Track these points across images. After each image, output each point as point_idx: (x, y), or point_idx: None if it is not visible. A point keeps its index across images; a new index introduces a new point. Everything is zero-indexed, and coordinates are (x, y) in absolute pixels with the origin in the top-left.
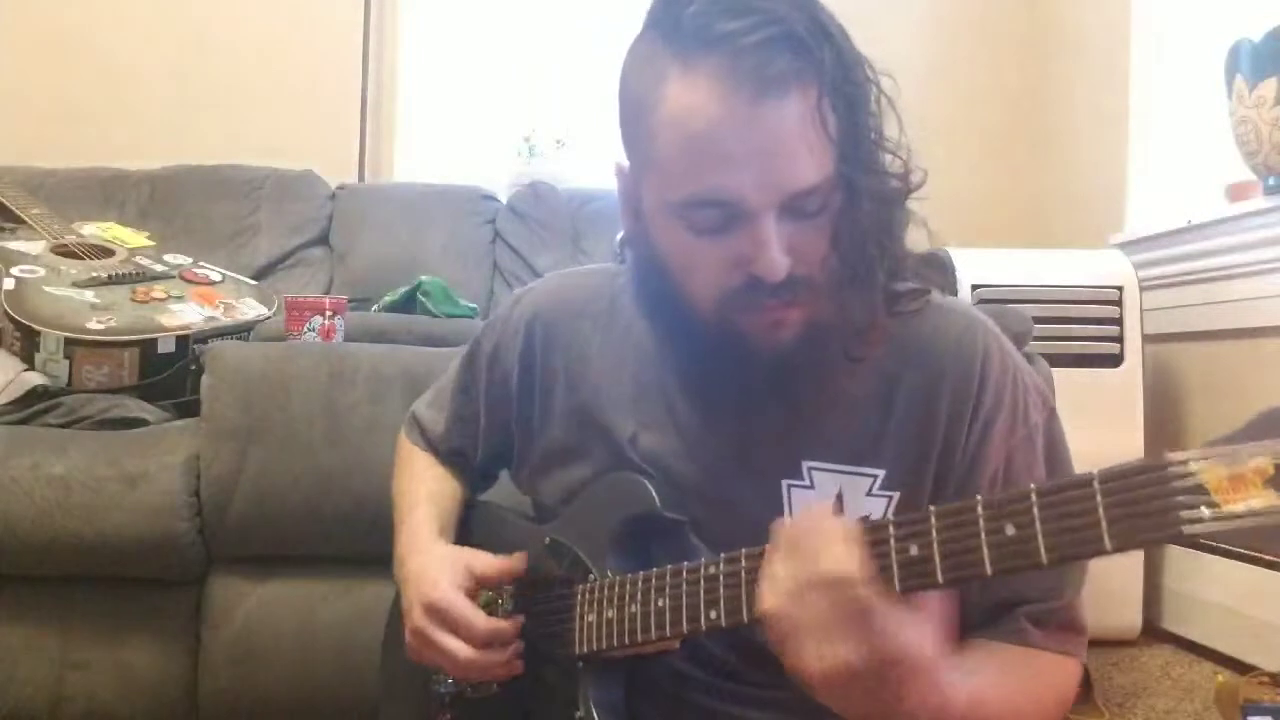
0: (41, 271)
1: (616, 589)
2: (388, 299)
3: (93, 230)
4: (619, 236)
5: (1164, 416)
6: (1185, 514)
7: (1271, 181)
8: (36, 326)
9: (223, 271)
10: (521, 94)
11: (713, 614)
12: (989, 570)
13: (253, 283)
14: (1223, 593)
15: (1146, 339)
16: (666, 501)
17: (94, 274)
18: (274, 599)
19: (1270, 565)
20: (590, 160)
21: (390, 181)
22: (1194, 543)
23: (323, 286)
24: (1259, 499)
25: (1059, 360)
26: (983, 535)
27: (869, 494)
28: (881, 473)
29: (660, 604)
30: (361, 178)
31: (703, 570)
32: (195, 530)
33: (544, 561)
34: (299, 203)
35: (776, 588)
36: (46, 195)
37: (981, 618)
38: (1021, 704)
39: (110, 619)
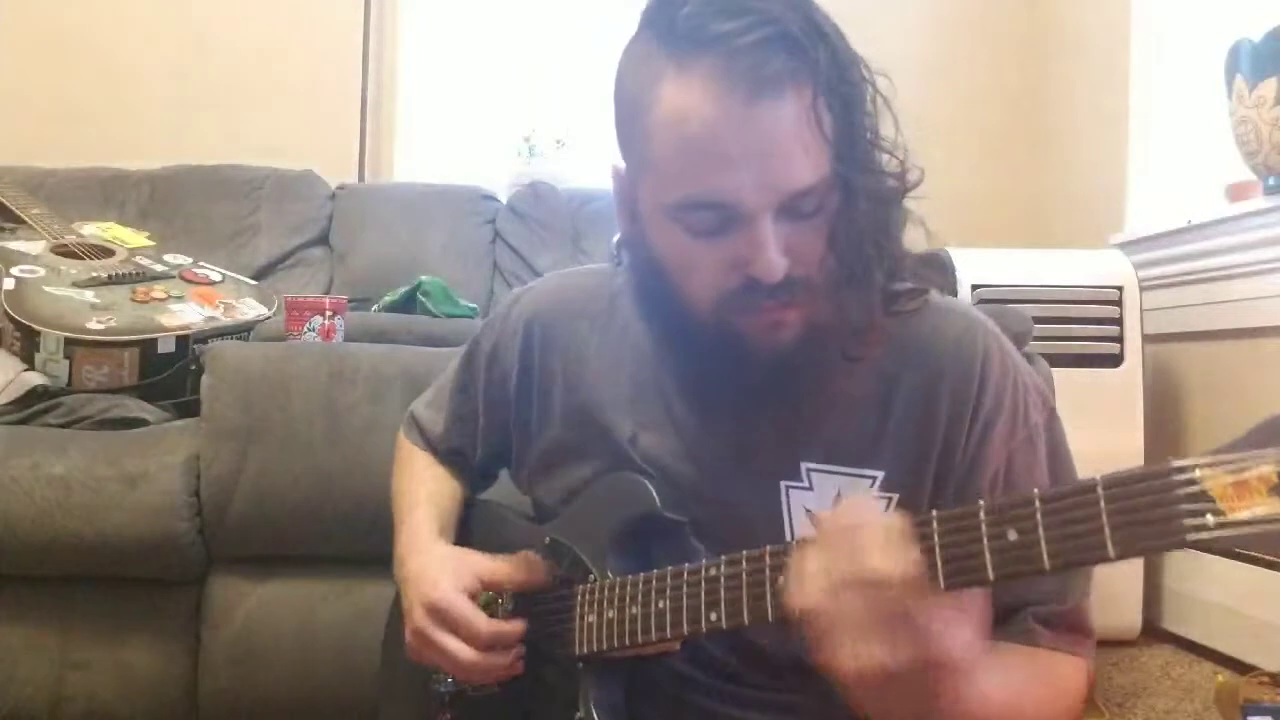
0: (41, 271)
1: (617, 590)
2: (388, 299)
3: (93, 230)
4: (616, 238)
5: (1164, 416)
6: (1189, 521)
7: (1271, 181)
8: (36, 326)
9: (223, 271)
10: (521, 94)
11: (713, 616)
12: (991, 575)
13: (253, 283)
14: (1223, 593)
15: (1146, 339)
16: (667, 502)
17: (94, 274)
18: (274, 599)
19: (1270, 565)
20: (590, 160)
21: (390, 181)
22: (1199, 549)
23: (323, 286)
24: (1263, 507)
25: (1059, 360)
26: (985, 540)
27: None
28: (880, 474)
29: (661, 605)
30: (361, 178)
31: (704, 572)
32: (195, 530)
33: (544, 561)
34: (299, 203)
35: (816, 582)
36: (46, 195)
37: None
38: (1043, 705)
39: (110, 619)
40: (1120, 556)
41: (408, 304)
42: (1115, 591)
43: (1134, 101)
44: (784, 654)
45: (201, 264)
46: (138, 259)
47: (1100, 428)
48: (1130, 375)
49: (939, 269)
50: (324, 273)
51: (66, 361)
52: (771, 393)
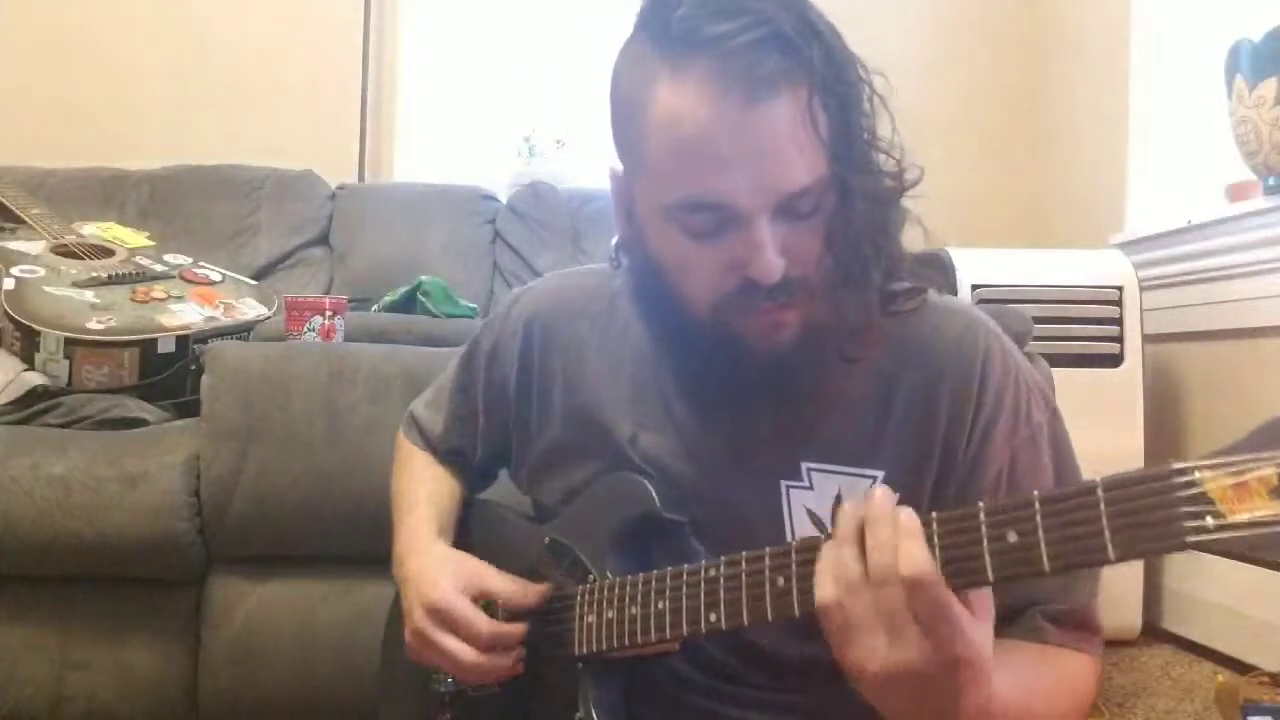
0: (41, 271)
1: (616, 590)
2: (388, 299)
3: (93, 230)
4: (614, 241)
5: (1164, 416)
6: (1189, 524)
7: (1271, 181)
8: (36, 326)
9: (223, 271)
10: (521, 94)
11: (712, 616)
12: (991, 577)
13: (253, 283)
14: (1223, 593)
15: (1146, 339)
16: (666, 502)
17: (94, 274)
18: (274, 599)
19: (1270, 565)
20: (590, 160)
21: (390, 181)
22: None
23: (323, 286)
24: (1264, 509)
25: (1059, 360)
26: (985, 542)
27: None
28: (880, 473)
29: (660, 606)
30: (361, 178)
31: (703, 573)
32: (195, 530)
33: (543, 562)
34: (299, 203)
35: (839, 580)
36: (46, 195)
37: (997, 617)
38: (1052, 702)
39: (110, 619)
40: (1120, 559)
41: (408, 304)
42: (1115, 592)
43: (1134, 101)
44: (784, 654)
45: (201, 264)
46: (138, 259)
47: (1100, 428)
48: (1130, 375)
49: (938, 269)
50: (324, 273)
51: (66, 361)
52: (770, 393)
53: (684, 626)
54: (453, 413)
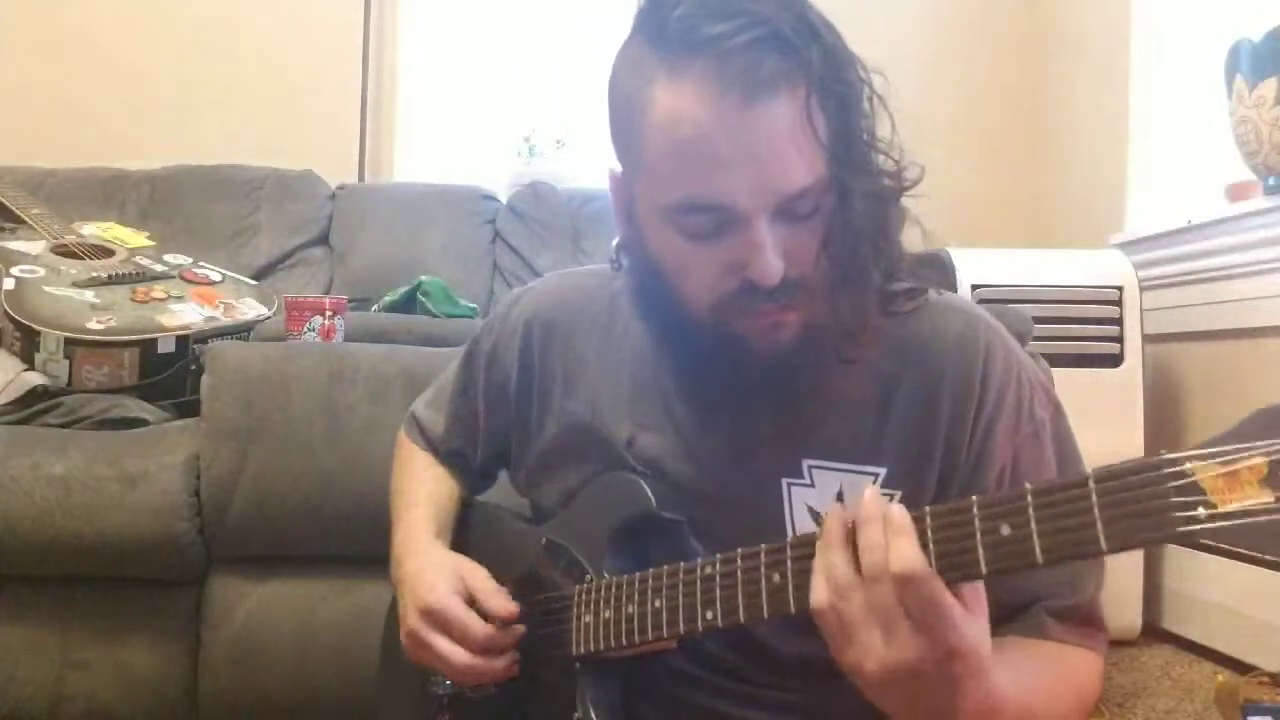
0: (41, 271)
1: (613, 590)
2: (388, 299)
3: (93, 230)
4: (615, 242)
5: (1164, 416)
6: (1181, 514)
7: (1271, 181)
8: (36, 326)
9: (223, 271)
10: (521, 94)
11: (709, 615)
12: (984, 570)
13: (253, 283)
14: (1223, 593)
15: (1146, 339)
16: (663, 501)
17: (94, 274)
18: (274, 599)
19: (1270, 565)
20: (590, 160)
21: (390, 181)
22: (1191, 542)
23: (323, 286)
24: (1255, 498)
25: (1059, 360)
26: (978, 535)
27: None
28: (882, 471)
29: (657, 605)
30: (361, 178)
31: (699, 571)
32: (195, 530)
33: (541, 562)
34: (299, 203)
35: (830, 582)
36: (46, 195)
37: (1001, 614)
38: (1056, 698)
39: (110, 619)
40: (1112, 549)
41: (408, 304)
42: (1115, 591)
43: (1134, 101)
44: (784, 650)
45: (201, 264)
46: (138, 259)
47: (1100, 428)
48: (1130, 375)
49: (938, 269)
50: (324, 273)
51: (66, 361)
52: (771, 393)
53: (681, 625)
54: (453, 414)
